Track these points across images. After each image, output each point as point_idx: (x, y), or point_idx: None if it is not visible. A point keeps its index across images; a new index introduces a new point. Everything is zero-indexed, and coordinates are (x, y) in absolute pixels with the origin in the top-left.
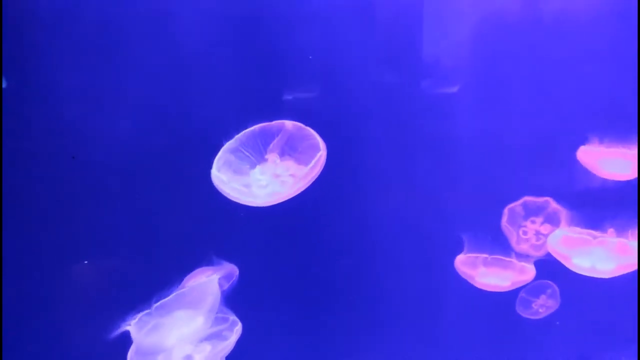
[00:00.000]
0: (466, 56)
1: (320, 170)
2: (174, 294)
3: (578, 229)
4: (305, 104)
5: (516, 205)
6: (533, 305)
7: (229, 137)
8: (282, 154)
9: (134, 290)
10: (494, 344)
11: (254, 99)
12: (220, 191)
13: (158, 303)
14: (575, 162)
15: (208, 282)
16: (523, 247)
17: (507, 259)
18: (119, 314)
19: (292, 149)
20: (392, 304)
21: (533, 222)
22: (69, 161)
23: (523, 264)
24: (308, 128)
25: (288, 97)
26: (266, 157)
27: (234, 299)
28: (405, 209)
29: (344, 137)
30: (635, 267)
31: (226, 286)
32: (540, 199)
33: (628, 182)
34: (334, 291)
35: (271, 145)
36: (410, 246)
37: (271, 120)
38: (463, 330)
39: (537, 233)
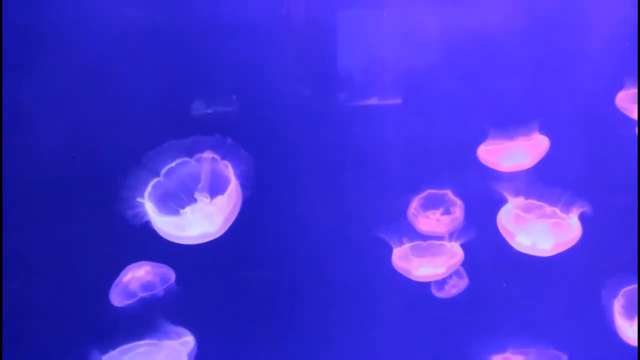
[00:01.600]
0: (382, 69)
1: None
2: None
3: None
4: (225, 118)
5: (419, 199)
6: (445, 287)
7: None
8: (211, 191)
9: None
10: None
11: (171, 113)
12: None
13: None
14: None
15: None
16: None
17: (438, 242)
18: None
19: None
20: (331, 310)
21: (434, 213)
22: None
23: (453, 244)
24: (224, 161)
25: (208, 110)
26: (195, 196)
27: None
28: (332, 216)
29: (265, 150)
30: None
31: (160, 290)
32: (440, 192)
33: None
34: (272, 306)
35: (201, 184)
36: (342, 253)
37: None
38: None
39: (438, 221)
